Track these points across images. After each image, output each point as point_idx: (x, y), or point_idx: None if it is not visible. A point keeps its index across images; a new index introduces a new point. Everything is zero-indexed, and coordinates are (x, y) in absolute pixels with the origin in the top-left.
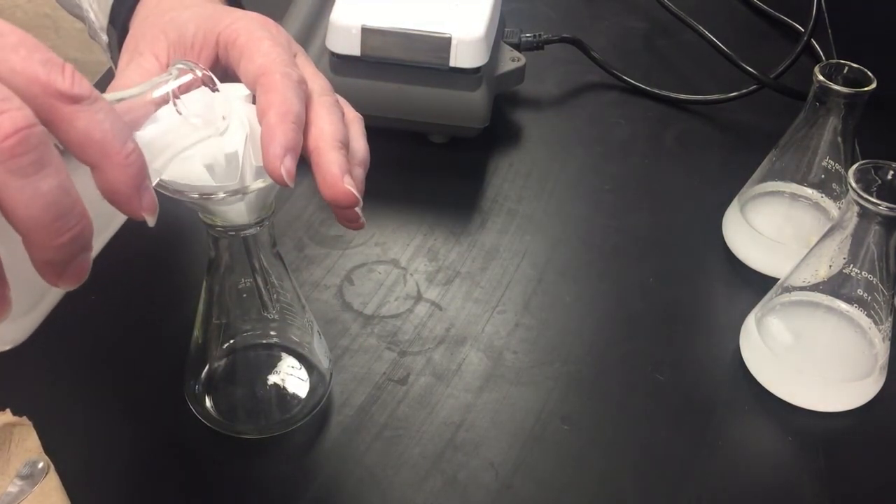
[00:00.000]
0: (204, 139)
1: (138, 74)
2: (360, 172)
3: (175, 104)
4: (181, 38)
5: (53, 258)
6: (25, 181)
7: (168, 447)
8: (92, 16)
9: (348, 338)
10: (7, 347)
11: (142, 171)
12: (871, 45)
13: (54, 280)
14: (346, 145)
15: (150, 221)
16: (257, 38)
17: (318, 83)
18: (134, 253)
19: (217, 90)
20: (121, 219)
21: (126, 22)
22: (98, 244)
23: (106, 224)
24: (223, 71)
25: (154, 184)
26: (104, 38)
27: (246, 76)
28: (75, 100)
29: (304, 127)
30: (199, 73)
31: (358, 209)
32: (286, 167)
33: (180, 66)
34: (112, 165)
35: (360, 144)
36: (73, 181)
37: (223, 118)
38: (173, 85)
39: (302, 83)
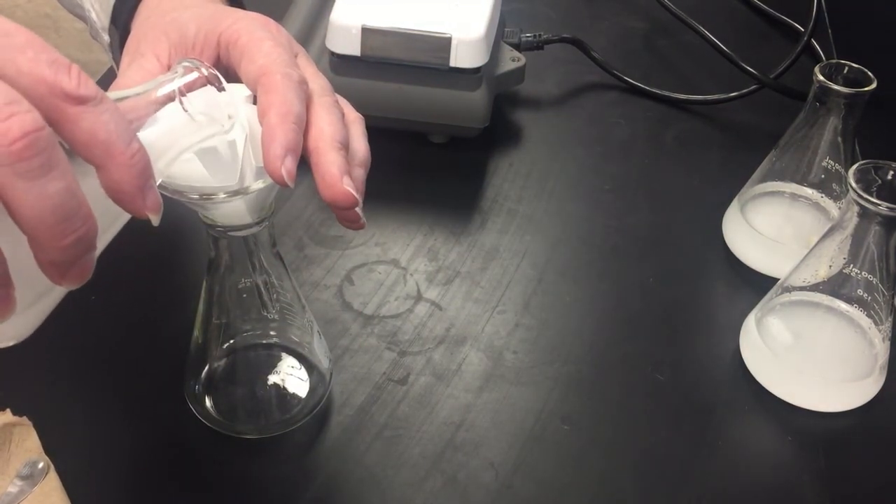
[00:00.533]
0: (209, 137)
1: (140, 75)
2: (360, 173)
3: (181, 102)
4: (182, 38)
5: (58, 258)
6: (32, 183)
7: (168, 447)
8: (94, 16)
9: (348, 338)
10: (10, 343)
11: (146, 170)
12: (871, 45)
13: (58, 279)
14: (345, 146)
15: (155, 220)
16: (258, 38)
17: (318, 83)
18: (134, 253)
19: (223, 89)
20: (125, 217)
21: (128, 22)
22: (102, 243)
23: (110, 223)
24: (224, 71)
25: (157, 184)
26: (106, 38)
27: (247, 76)
28: (81, 101)
29: (304, 126)
30: (205, 72)
31: (359, 209)
32: (287, 168)
33: (185, 64)
34: (116, 165)
35: (360, 145)
36: (79, 181)
37: (229, 117)
38: (178, 83)
39: (303, 84)
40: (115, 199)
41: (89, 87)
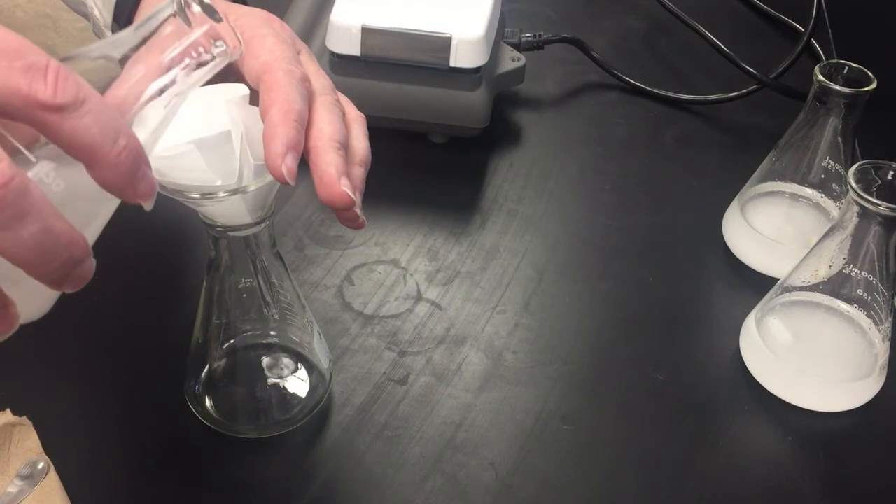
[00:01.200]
0: (205, 76)
1: None
2: (360, 172)
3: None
4: None
5: (50, 277)
6: (7, 232)
7: (168, 447)
8: (96, 13)
9: (348, 338)
10: (30, 319)
11: (135, 162)
12: (871, 45)
13: (56, 288)
14: (344, 146)
15: (147, 206)
16: (261, 34)
17: (319, 82)
18: (134, 253)
19: (218, 17)
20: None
21: (130, 18)
22: (98, 225)
23: (107, 203)
24: (227, 68)
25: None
26: (108, 34)
27: (249, 73)
28: (58, 109)
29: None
30: (196, 7)
31: (358, 209)
32: (287, 165)
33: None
34: (102, 165)
35: (361, 144)
36: (70, 167)
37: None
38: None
39: (305, 81)
40: (107, 189)
41: (67, 91)
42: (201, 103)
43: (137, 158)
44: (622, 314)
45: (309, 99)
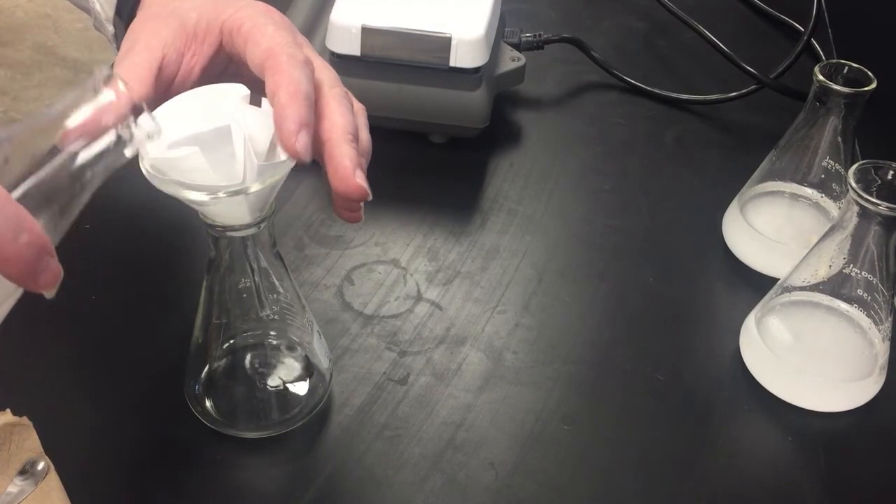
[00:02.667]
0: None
1: (132, 71)
2: (363, 163)
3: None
4: (183, 27)
5: None
6: None
7: (168, 447)
8: (97, 7)
9: (348, 338)
10: None
11: (37, 256)
12: (871, 45)
13: None
14: (356, 138)
15: (49, 295)
16: (262, 23)
17: (327, 75)
18: (134, 253)
19: (140, 108)
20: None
21: (133, 11)
22: (5, 309)
23: (10, 292)
24: (227, 59)
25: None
26: (110, 28)
27: (252, 60)
28: None
29: (316, 117)
30: (121, 88)
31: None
32: (301, 143)
33: (104, 73)
34: (5, 259)
35: (364, 135)
36: None
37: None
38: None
39: (308, 63)
40: (9, 279)
41: None
42: (201, 103)
43: (40, 252)
44: (622, 314)
45: (317, 92)
